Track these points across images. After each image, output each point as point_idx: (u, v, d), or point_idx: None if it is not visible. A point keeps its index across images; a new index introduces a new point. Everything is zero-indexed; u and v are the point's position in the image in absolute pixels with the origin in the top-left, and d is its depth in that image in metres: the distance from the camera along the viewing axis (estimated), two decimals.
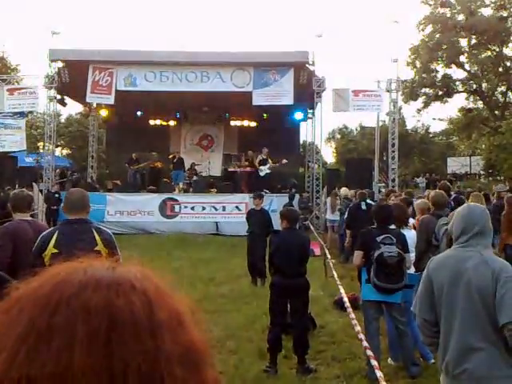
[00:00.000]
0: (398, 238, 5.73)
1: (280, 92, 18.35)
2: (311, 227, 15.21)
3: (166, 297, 0.68)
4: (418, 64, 36.59)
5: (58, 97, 19.76)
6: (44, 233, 4.30)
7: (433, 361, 5.69)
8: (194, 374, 0.64)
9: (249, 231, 10.53)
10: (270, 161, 19.11)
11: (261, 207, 10.71)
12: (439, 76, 37.12)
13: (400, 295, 5.69)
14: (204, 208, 17.96)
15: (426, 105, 38.42)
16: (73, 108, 45.95)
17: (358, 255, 5.88)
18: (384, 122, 28.60)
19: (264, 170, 18.89)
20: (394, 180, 19.45)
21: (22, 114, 19.99)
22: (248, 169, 20.62)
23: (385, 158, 23.34)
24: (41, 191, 18.03)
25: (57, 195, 17.20)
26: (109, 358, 0.60)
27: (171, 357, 0.63)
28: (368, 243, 5.71)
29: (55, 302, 0.62)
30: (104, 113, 23.74)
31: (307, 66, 18.63)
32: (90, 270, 0.68)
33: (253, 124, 24.15)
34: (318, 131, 20.26)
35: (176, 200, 18.14)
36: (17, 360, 0.59)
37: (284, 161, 18.90)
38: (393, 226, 6.24)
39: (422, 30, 36.31)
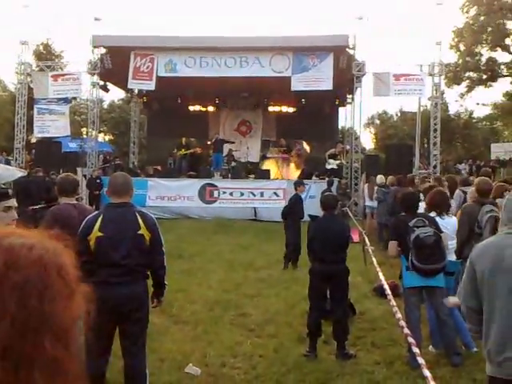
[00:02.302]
0: (429, 219, 5.72)
1: (319, 77, 18.17)
2: (349, 214, 15.09)
3: (37, 265, 0.68)
4: (461, 47, 35.58)
5: (101, 83, 20.10)
6: (89, 216, 4.40)
7: (476, 349, 5.61)
8: (27, 341, 0.65)
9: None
10: (341, 157, 19.51)
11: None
12: (483, 59, 36.03)
13: (443, 279, 5.62)
14: (242, 194, 18.06)
15: (470, 89, 37.40)
16: (115, 94, 46.84)
17: (392, 245, 5.84)
18: (425, 106, 28.04)
19: (332, 164, 19.05)
20: (435, 166, 19.08)
21: (66, 100, 20.42)
22: (285, 155, 20.62)
23: (426, 145, 22.88)
24: (84, 176, 18.45)
25: (98, 180, 17.58)
26: None
27: (4, 319, 0.64)
28: (401, 231, 5.69)
29: None
30: (145, 99, 24.07)
31: (347, 50, 18.37)
32: None
33: (291, 110, 24.07)
34: (357, 117, 20.01)
35: (215, 186, 18.30)
36: None
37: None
38: (433, 214, 6.16)
39: (467, 12, 35.23)
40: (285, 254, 10.56)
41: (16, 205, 3.67)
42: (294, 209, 10.76)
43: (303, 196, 17.37)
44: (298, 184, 11.25)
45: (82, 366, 0.72)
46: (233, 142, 21.51)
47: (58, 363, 0.67)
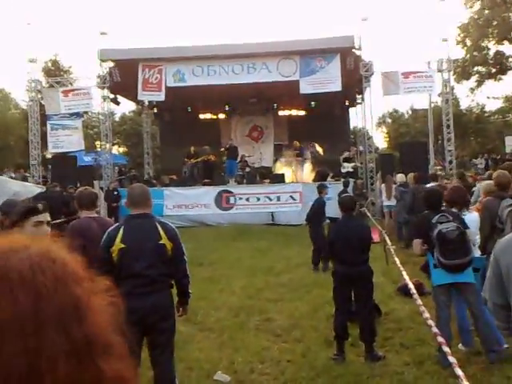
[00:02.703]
0: (454, 215, 5.64)
1: (327, 79, 18.14)
2: (368, 214, 14.99)
3: (66, 285, 0.65)
4: (468, 42, 35.32)
5: (111, 96, 20.25)
6: (110, 229, 4.41)
7: (506, 345, 5.51)
8: (84, 368, 0.62)
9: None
10: (356, 160, 19.61)
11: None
12: (491, 53, 35.70)
13: (471, 274, 5.53)
14: (259, 199, 18.03)
15: (480, 83, 37.07)
16: (126, 106, 47.13)
17: (416, 243, 5.77)
18: (436, 103, 27.83)
19: (346, 168, 19.11)
20: (451, 162, 18.94)
21: (78, 115, 20.58)
22: (299, 158, 20.58)
23: (440, 141, 22.71)
24: (101, 189, 18.55)
25: (116, 192, 17.66)
26: None
27: (55, 354, 0.61)
28: (424, 228, 5.62)
29: None
30: (156, 110, 24.20)
31: (354, 50, 18.33)
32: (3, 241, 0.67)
33: (301, 113, 24.07)
34: (368, 116, 19.93)
35: (231, 192, 18.30)
36: None
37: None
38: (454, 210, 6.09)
39: (471, 7, 34.98)
40: (313, 258, 10.55)
41: (48, 219, 3.63)
42: (318, 212, 10.75)
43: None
44: (322, 187, 11.29)
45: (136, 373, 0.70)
46: (249, 156, 21.55)
47: (121, 379, 0.67)
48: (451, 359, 4.41)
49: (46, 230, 3.48)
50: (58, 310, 0.64)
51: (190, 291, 4.56)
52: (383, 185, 15.48)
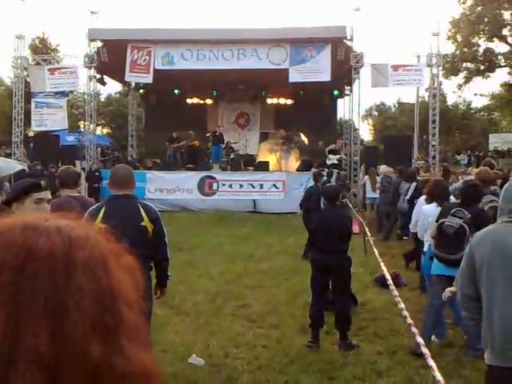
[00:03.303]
0: (475, 215, 5.46)
1: (317, 68, 18.11)
2: (349, 205, 15.10)
3: (94, 244, 0.71)
4: (458, 38, 35.47)
5: (98, 76, 20.00)
6: (91, 208, 4.39)
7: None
8: (107, 313, 0.66)
9: None
10: (341, 153, 19.80)
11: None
12: (481, 50, 35.92)
13: None
14: (242, 186, 18.04)
15: (468, 80, 37.31)
16: (112, 87, 46.67)
17: (433, 226, 5.78)
18: (423, 97, 27.98)
19: (332, 160, 19.15)
20: (434, 157, 19.08)
21: (63, 94, 20.33)
22: (284, 147, 20.60)
23: (424, 136, 22.88)
24: (83, 169, 18.41)
25: (97, 173, 17.55)
26: (18, 283, 0.64)
27: (82, 292, 0.65)
28: (443, 216, 5.66)
29: None
30: (142, 91, 23.99)
31: (345, 41, 18.31)
32: (27, 218, 0.72)
33: (289, 101, 24.03)
34: (356, 108, 19.98)
35: (214, 178, 18.27)
36: None
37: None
38: (433, 204, 6.18)
39: (463, 3, 35.08)
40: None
41: (49, 197, 3.59)
42: (314, 200, 10.67)
43: (302, 188, 17.42)
44: (319, 175, 11.35)
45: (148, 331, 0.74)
46: (235, 143, 21.48)
47: (137, 330, 0.70)
48: (424, 350, 4.49)
49: (46, 208, 3.45)
50: (89, 256, 0.69)
51: (169, 274, 4.57)
52: (367, 176, 15.58)
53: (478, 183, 6.02)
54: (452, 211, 5.54)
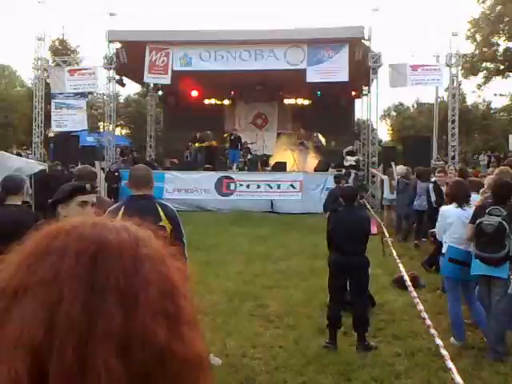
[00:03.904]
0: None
1: (335, 68, 18.07)
2: (367, 205, 15.01)
3: (155, 242, 0.78)
4: (478, 38, 35.06)
5: (117, 77, 20.21)
6: (111, 208, 4.42)
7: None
8: (170, 302, 0.72)
9: None
10: (358, 154, 19.83)
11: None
12: (501, 50, 35.48)
13: (507, 271, 5.50)
14: (259, 186, 18.06)
15: (487, 80, 36.87)
16: (131, 88, 47.04)
17: (470, 228, 5.74)
18: (442, 98, 27.75)
19: (349, 161, 19.10)
20: (453, 158, 18.91)
21: (82, 95, 20.57)
22: (302, 147, 20.57)
23: (444, 136, 22.68)
24: (102, 169, 18.58)
25: (116, 174, 17.69)
26: (92, 271, 0.69)
27: (149, 280, 0.71)
28: (478, 216, 5.63)
29: (56, 232, 0.74)
30: (160, 93, 24.15)
31: (363, 41, 18.24)
32: (94, 218, 0.78)
33: (306, 102, 24.00)
34: (374, 108, 19.89)
35: (231, 178, 18.33)
36: (19, 272, 0.70)
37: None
38: (453, 205, 6.12)
39: (483, 3, 34.70)
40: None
41: (94, 200, 3.59)
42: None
43: (319, 188, 17.37)
44: (341, 177, 11.44)
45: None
46: (252, 143, 21.50)
47: (193, 319, 0.75)
48: (443, 352, 4.46)
49: (90, 211, 3.46)
50: (153, 252, 0.75)
51: None
52: (386, 177, 15.42)
53: (509, 181, 5.98)
54: (488, 210, 5.50)
